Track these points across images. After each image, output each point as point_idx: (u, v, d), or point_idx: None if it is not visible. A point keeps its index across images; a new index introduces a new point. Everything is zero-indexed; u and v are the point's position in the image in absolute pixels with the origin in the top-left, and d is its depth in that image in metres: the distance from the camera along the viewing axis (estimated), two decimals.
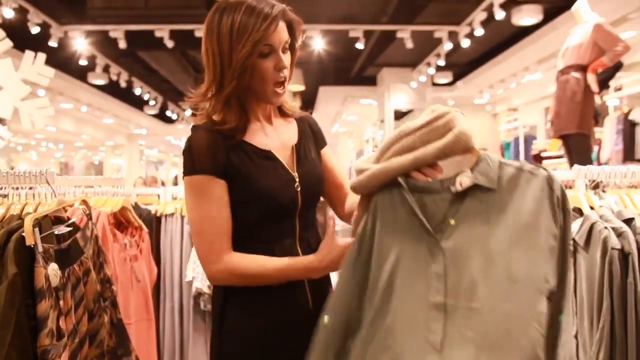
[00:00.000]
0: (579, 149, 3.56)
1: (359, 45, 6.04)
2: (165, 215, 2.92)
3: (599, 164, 5.16)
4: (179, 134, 15.34)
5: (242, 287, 1.23)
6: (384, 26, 6.19)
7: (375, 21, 6.32)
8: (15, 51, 5.25)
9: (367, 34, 6.27)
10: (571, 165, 3.59)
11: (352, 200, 1.36)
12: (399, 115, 11.21)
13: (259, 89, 1.24)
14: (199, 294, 2.75)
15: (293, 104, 1.41)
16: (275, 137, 1.33)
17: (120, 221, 1.85)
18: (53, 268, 1.11)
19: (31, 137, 13.73)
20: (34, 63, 3.94)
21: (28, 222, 1.08)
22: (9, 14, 4.79)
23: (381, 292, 0.93)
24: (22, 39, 5.54)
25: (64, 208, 1.35)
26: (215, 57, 1.21)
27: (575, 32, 3.88)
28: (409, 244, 0.93)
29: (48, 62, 7.02)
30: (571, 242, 1.39)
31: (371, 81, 9.55)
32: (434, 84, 8.96)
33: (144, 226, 1.89)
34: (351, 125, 13.29)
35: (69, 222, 1.27)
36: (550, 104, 4.01)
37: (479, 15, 5.43)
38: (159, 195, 3.23)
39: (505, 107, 9.71)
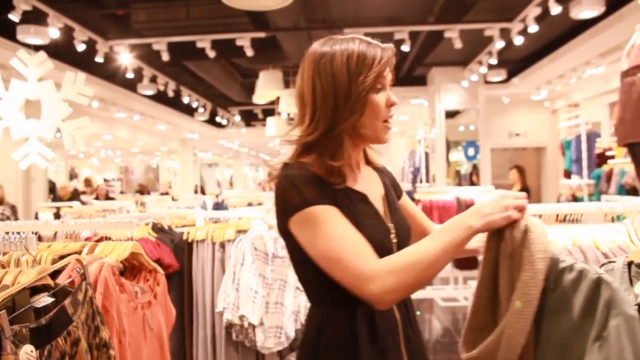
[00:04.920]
0: None
1: (405, 48, 5.79)
2: (197, 242, 2.84)
3: None
4: (231, 138, 15.55)
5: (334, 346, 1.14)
6: (431, 26, 5.91)
7: (421, 22, 6.05)
8: (64, 66, 5.37)
9: (414, 35, 6.02)
10: (639, 178, 3.24)
11: None
12: (451, 115, 10.83)
13: (368, 125, 1.16)
14: (230, 325, 2.65)
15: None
16: (365, 184, 1.23)
17: (133, 265, 1.75)
18: (26, 351, 1.00)
19: (90, 145, 14.27)
20: (75, 83, 3.98)
21: None
22: (55, 33, 4.89)
23: None
24: (69, 56, 5.68)
25: (58, 270, 1.25)
26: (327, 93, 1.12)
27: None
28: None
29: (97, 74, 7.18)
30: None
31: (421, 81, 9.25)
32: (487, 82, 8.55)
33: (159, 268, 1.79)
34: (403, 124, 13.06)
35: (56, 289, 1.17)
36: (616, 98, 3.63)
37: (533, 11, 5.06)
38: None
39: (565, 103, 9.13)
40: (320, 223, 1.07)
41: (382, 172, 1.34)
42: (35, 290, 1.17)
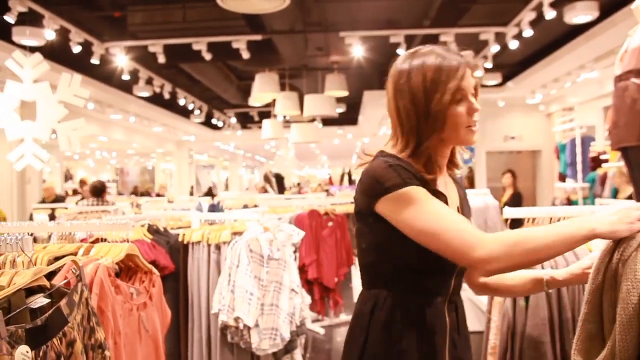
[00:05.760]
0: None
1: (400, 51, 5.81)
2: (192, 243, 2.84)
3: None
4: (227, 140, 15.53)
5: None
6: (426, 30, 5.94)
7: (417, 25, 6.08)
8: (60, 68, 5.36)
9: (409, 38, 6.04)
10: (633, 182, 3.26)
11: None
12: None
13: (452, 137, 1.20)
14: (225, 327, 2.65)
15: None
16: (446, 190, 1.28)
17: (129, 266, 1.76)
18: (22, 352, 1.01)
19: (86, 146, 14.23)
20: (70, 85, 3.97)
21: None
22: (50, 35, 4.88)
23: None
24: (65, 58, 5.67)
25: (54, 271, 1.26)
26: (410, 112, 1.17)
27: (635, 33, 3.52)
28: None
29: (93, 76, 7.16)
30: None
31: None
32: (483, 86, 8.58)
33: (154, 270, 1.79)
34: None
35: (52, 290, 1.17)
36: (610, 102, 3.66)
37: (528, 15, 5.09)
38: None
39: (560, 106, 9.17)
40: (419, 201, 1.13)
41: (459, 184, 1.37)
42: (31, 291, 1.18)
